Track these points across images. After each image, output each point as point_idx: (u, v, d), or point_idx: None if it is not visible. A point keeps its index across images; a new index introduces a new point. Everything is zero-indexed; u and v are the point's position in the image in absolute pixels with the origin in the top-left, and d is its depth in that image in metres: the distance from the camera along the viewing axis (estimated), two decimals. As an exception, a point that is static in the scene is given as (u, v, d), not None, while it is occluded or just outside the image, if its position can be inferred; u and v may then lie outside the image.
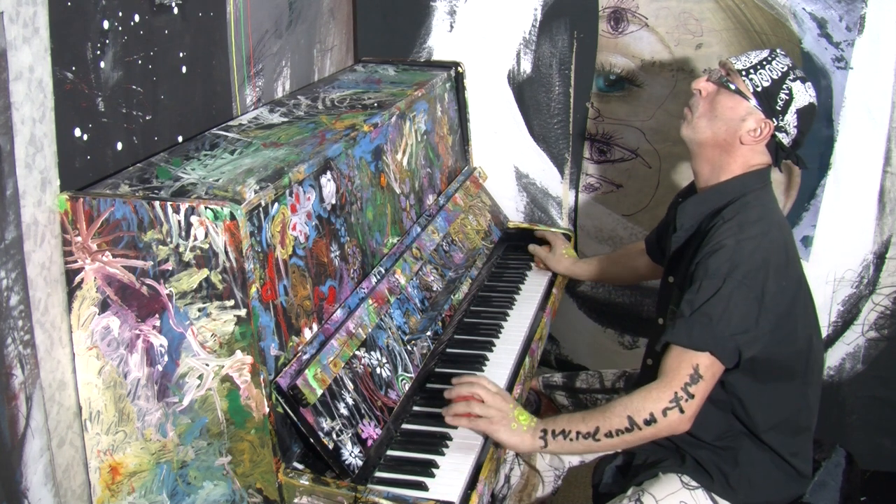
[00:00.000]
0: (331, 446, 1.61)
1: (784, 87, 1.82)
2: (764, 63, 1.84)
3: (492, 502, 2.26)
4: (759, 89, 1.82)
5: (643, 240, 2.39)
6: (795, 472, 1.88)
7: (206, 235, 1.51)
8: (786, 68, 1.84)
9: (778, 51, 1.88)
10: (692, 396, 1.71)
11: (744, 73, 1.84)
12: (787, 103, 1.82)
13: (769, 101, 1.82)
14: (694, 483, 1.87)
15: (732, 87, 1.84)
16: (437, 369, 2.07)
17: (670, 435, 1.76)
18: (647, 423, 1.71)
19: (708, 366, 1.72)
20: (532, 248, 2.64)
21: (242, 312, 1.54)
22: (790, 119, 1.83)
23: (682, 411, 1.71)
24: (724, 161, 1.88)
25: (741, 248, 1.75)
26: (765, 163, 1.89)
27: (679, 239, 1.96)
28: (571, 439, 1.74)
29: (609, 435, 1.73)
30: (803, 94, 1.83)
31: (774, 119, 1.83)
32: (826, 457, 1.98)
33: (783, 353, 1.82)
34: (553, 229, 2.78)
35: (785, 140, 1.86)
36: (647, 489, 1.88)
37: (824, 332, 2.80)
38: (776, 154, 1.88)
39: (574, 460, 2.19)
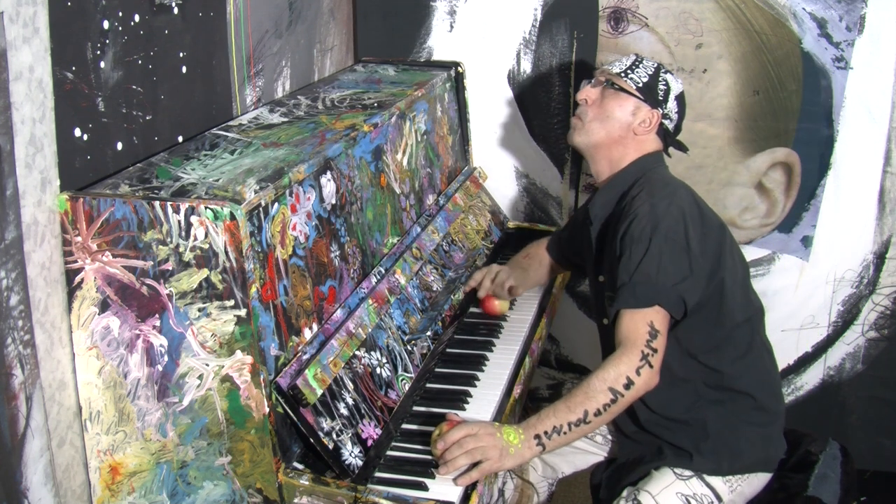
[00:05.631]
0: (331, 446, 1.61)
1: (660, 79, 2.03)
2: (636, 64, 2.04)
3: None
4: (640, 85, 2.01)
5: (537, 245, 2.45)
6: (767, 416, 1.95)
7: (206, 235, 1.51)
8: (656, 65, 2.06)
9: (640, 55, 2.08)
10: (655, 351, 1.80)
11: (622, 74, 2.03)
12: (667, 92, 2.03)
13: (651, 93, 2.01)
14: (687, 472, 1.90)
15: (616, 87, 2.02)
16: (437, 369, 2.07)
17: (645, 393, 1.81)
18: (626, 387, 1.76)
19: (661, 320, 1.82)
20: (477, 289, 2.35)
21: (242, 312, 1.54)
22: (672, 106, 2.04)
23: (651, 366, 1.79)
24: (620, 154, 2.05)
25: (656, 209, 1.87)
26: (656, 149, 2.06)
27: (595, 230, 2.06)
28: (565, 433, 1.76)
29: (598, 413, 1.76)
30: (675, 83, 2.05)
31: (660, 108, 2.02)
32: (822, 449, 2.04)
33: (728, 291, 1.92)
34: (552, 229, 2.78)
35: (670, 126, 2.06)
36: (643, 487, 1.90)
37: (824, 333, 2.81)
38: (665, 140, 2.07)
39: (567, 470, 2.19)
